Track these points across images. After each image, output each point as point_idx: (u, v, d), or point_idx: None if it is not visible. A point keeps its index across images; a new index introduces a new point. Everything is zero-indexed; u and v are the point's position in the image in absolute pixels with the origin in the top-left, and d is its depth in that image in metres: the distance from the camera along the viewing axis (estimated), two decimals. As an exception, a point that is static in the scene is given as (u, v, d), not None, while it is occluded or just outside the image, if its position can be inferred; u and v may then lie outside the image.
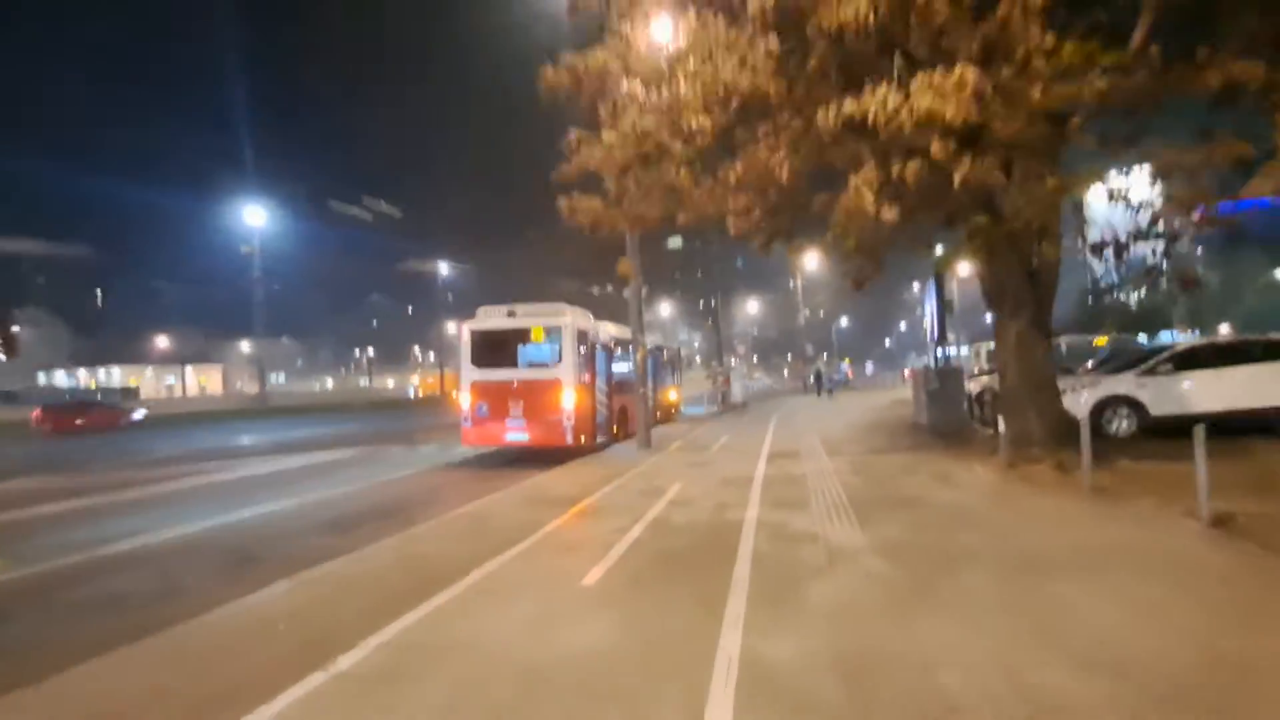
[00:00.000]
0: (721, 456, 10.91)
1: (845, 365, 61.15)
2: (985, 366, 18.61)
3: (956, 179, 6.55)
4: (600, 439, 13.06)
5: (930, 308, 16.71)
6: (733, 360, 72.21)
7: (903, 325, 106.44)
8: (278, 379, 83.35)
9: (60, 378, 75.47)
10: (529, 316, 12.05)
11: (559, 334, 11.65)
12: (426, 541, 5.99)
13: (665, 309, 65.37)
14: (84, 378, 75.05)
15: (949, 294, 22.38)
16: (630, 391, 15.01)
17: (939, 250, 11.22)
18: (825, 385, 37.03)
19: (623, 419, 14.27)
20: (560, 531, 6.16)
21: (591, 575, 4.63)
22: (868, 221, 7.27)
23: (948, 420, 12.59)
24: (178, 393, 76.88)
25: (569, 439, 11.44)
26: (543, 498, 7.71)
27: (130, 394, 56.35)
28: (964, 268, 16.18)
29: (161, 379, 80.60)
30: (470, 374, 12.11)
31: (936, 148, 6.29)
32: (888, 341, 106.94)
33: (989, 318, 11.78)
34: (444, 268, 55.17)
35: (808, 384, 45.98)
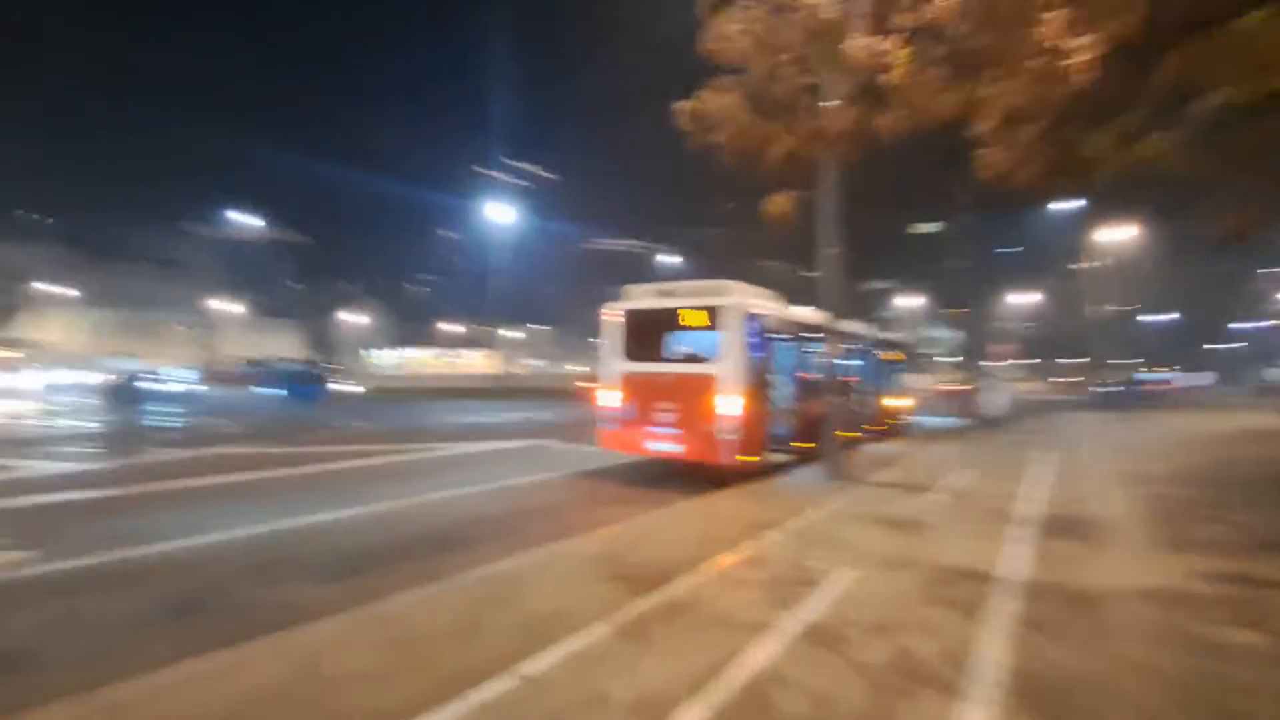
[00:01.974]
0: (945, 512, 7.02)
1: (1162, 374, 47.17)
2: None
3: None
4: (778, 457, 9.94)
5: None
6: (994, 363, 60.58)
7: (1254, 323, 79.98)
8: (538, 364, 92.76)
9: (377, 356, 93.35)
10: (685, 296, 9.42)
11: (720, 318, 8.82)
12: (393, 623, 3.77)
13: (905, 305, 57.50)
14: (394, 357, 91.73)
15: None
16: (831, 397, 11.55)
17: None
18: (1125, 398, 27.98)
19: (815, 433, 10.88)
20: (572, 669, 3.43)
21: None
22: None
23: None
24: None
25: (726, 456, 8.58)
26: (618, 562, 5.01)
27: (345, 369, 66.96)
28: None
29: (445, 360, 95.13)
30: (611, 365, 9.90)
31: None
32: (1217, 346, 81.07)
33: None
34: (668, 256, 55.06)
35: (1094, 395, 35.70)
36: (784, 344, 10.55)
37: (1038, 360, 76.03)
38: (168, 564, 5.32)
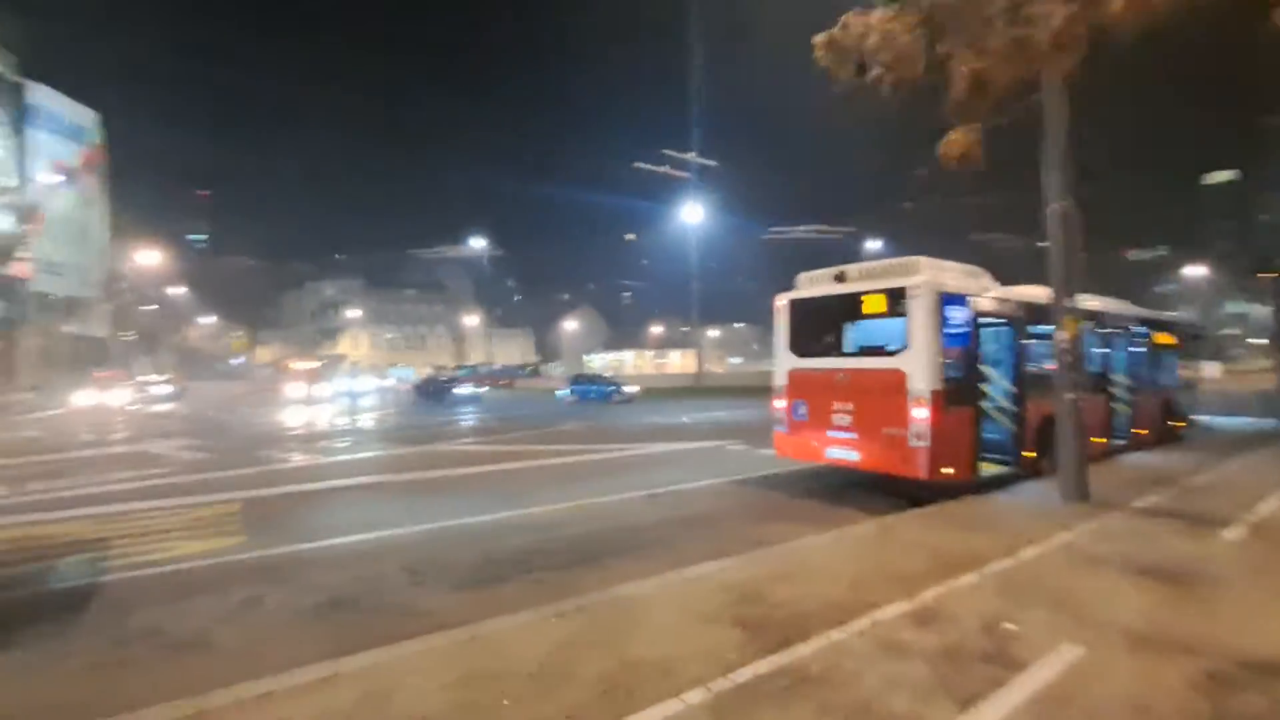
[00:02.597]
0: (1245, 562, 4.85)
1: None
2: None
3: None
4: (997, 467, 8.12)
5: None
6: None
7: None
8: (736, 362, 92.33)
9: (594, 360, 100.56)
10: (864, 279, 8.09)
11: (907, 302, 7.37)
12: (480, 653, 3.44)
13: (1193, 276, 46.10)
14: (600, 361, 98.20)
15: None
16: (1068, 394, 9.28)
17: None
18: None
19: (1047, 440, 8.70)
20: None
21: None
22: None
23: None
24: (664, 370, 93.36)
25: (919, 467, 7.13)
26: (754, 600, 4.11)
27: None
28: None
29: (652, 360, 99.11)
30: (786, 361, 8.90)
31: None
32: None
33: None
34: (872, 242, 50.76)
35: None
36: (998, 330, 8.62)
37: None
38: (351, 554, 5.78)
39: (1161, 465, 9.19)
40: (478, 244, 72.94)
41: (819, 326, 8.56)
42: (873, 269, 8.09)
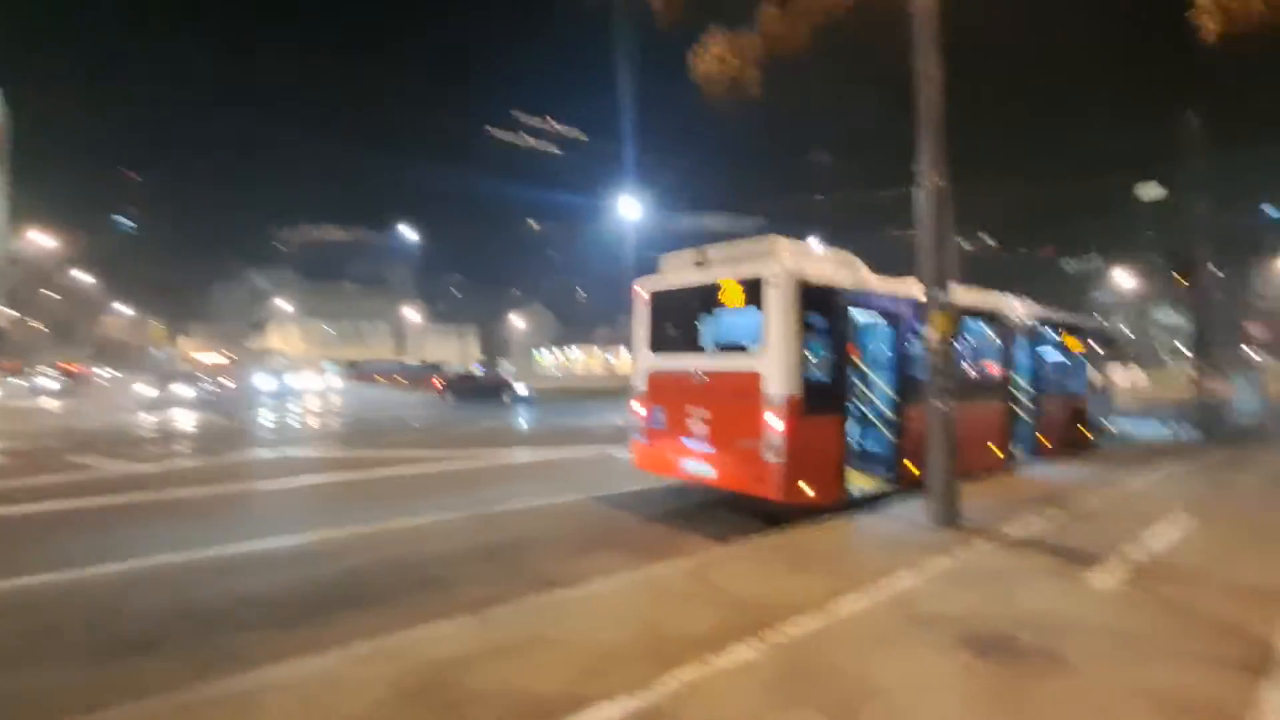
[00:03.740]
0: (1119, 625, 3.85)
1: None
2: None
3: None
4: (875, 483, 7.14)
5: None
6: (1248, 350, 47.21)
7: None
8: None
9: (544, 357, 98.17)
10: (721, 265, 6.98)
11: (763, 293, 6.29)
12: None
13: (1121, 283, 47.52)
14: (550, 356, 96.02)
15: None
16: (972, 401, 8.52)
17: None
18: None
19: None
20: None
21: None
22: None
23: None
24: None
25: (775, 486, 6.05)
26: (452, 686, 2.92)
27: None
28: None
29: (599, 359, 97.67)
30: (645, 360, 7.75)
31: None
32: None
33: None
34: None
35: None
36: (879, 328, 7.67)
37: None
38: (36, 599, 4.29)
39: (1059, 480, 8.39)
40: (411, 233, 70.21)
41: (679, 319, 7.42)
42: (734, 251, 6.98)
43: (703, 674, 3.09)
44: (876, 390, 7.64)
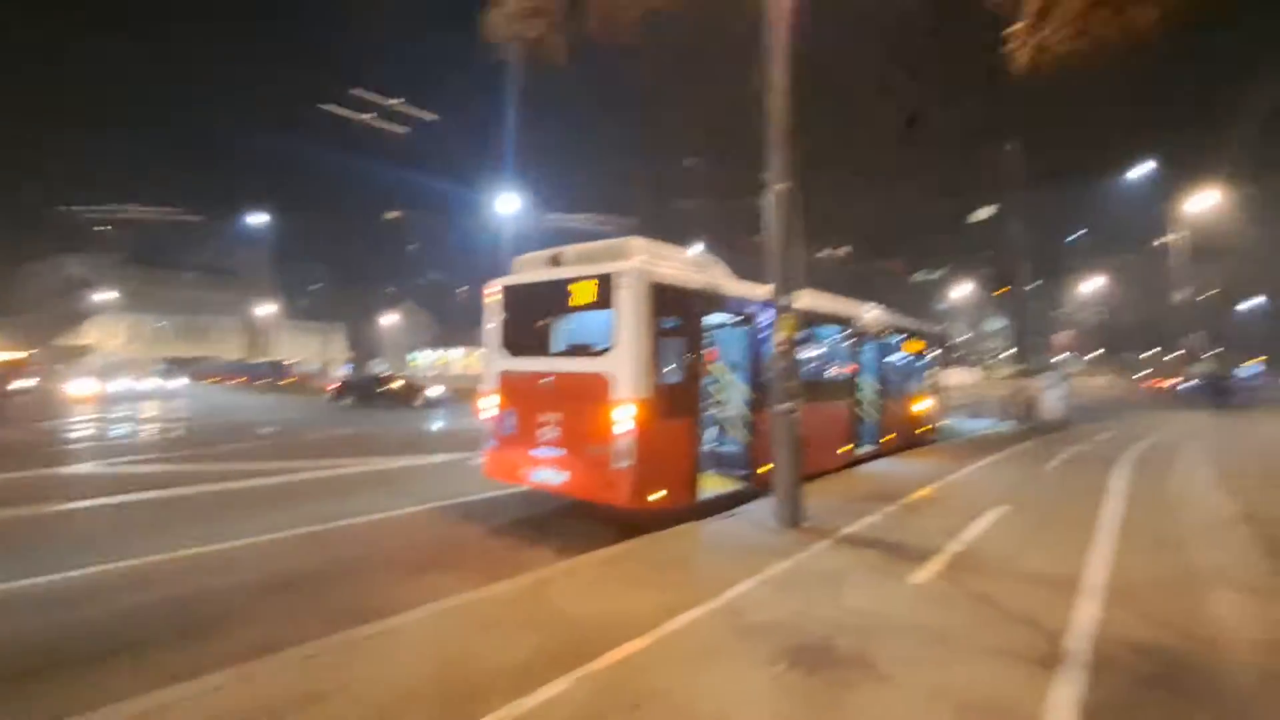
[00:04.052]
0: (933, 623, 3.97)
1: (1254, 367, 41.25)
2: None
3: None
4: (730, 484, 7.18)
5: None
6: (1058, 355, 54.61)
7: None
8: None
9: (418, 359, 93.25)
10: (579, 263, 6.68)
11: (612, 293, 6.06)
12: None
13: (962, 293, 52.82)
14: (428, 357, 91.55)
15: None
16: (822, 402, 8.80)
17: None
18: (1227, 395, 23.55)
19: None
20: None
21: None
22: None
23: None
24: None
25: (625, 493, 5.83)
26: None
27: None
28: None
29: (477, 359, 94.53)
30: (497, 361, 7.27)
31: None
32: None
33: None
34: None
35: (1187, 390, 30.78)
36: (736, 330, 7.73)
37: (1103, 351, 68.95)
38: None
39: (897, 475, 8.92)
40: (264, 221, 63.96)
41: (531, 320, 7.02)
42: (590, 251, 6.71)
43: (511, 714, 2.73)
44: (732, 391, 7.69)
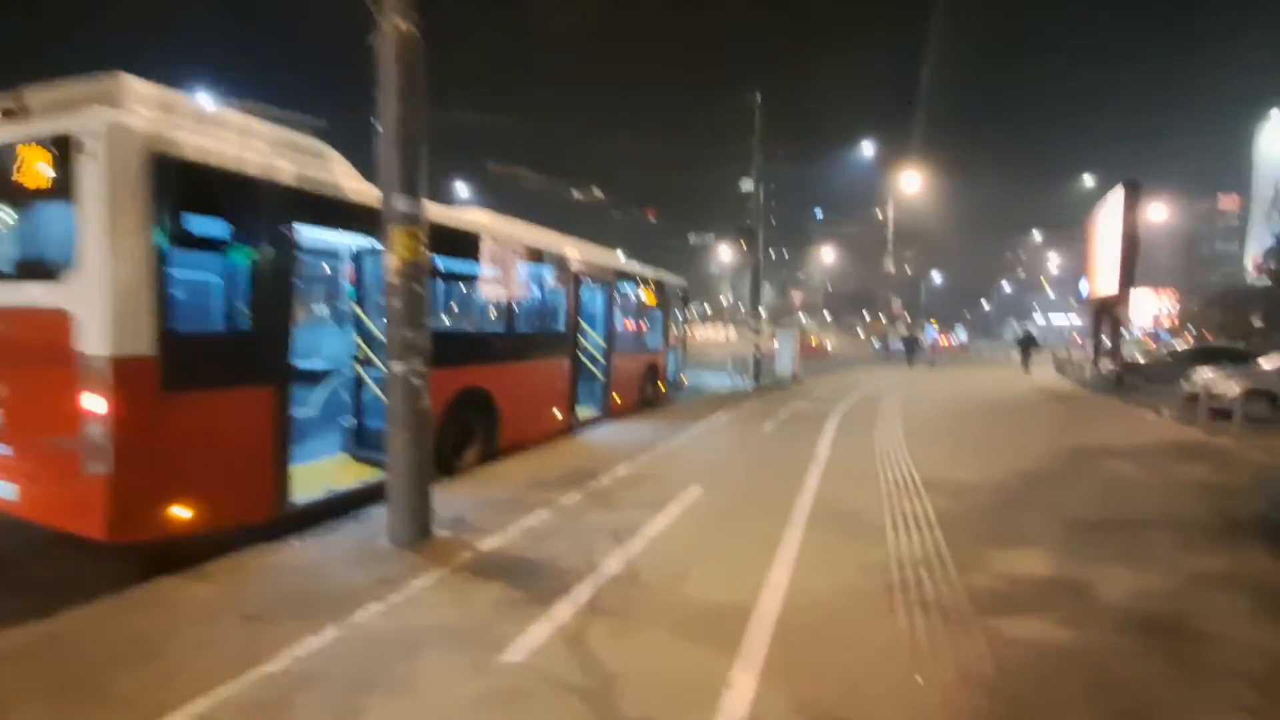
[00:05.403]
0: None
1: (932, 330, 50.09)
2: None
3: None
4: (366, 477, 5.08)
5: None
6: (794, 315, 61.41)
7: (1006, 286, 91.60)
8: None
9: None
10: (41, 118, 3.82)
11: (74, 170, 3.42)
12: None
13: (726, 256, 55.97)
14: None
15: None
16: (529, 360, 7.12)
17: None
18: (918, 354, 27.54)
19: (464, 426, 6.07)
20: None
21: None
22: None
23: None
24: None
25: (100, 518, 3.37)
26: None
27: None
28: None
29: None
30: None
31: None
32: (985, 305, 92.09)
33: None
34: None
35: (890, 349, 36.20)
36: (373, 257, 5.54)
37: (831, 314, 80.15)
38: None
39: (608, 445, 7.60)
40: None
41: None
42: (62, 95, 3.85)
43: None
44: (373, 344, 5.49)
